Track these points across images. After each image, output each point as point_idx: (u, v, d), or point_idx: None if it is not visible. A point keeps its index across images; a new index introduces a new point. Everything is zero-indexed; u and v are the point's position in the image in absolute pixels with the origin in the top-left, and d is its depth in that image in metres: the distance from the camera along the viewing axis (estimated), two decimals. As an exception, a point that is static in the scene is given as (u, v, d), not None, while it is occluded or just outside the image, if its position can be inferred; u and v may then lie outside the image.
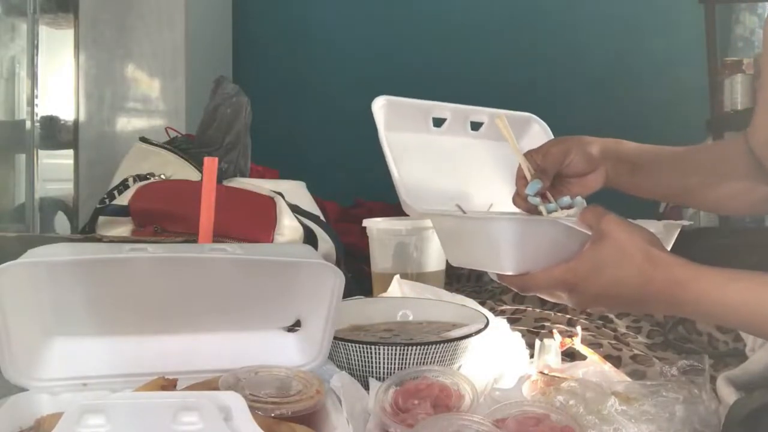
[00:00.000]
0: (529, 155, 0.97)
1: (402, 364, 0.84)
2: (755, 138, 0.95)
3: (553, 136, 1.19)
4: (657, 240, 0.75)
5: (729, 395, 0.81)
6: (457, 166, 1.10)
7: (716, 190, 1.00)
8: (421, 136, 1.07)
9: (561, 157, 0.96)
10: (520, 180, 0.96)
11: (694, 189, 1.01)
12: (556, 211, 0.93)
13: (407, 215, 1.01)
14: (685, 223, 1.04)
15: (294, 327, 0.86)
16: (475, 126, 1.13)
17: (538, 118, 1.19)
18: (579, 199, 0.96)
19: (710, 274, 0.71)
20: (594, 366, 0.93)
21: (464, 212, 0.95)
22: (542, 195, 0.95)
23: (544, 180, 0.94)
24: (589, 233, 0.76)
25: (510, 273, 0.80)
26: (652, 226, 0.88)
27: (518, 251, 0.78)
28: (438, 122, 1.09)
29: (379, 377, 0.84)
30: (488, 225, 0.82)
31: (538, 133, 1.17)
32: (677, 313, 0.83)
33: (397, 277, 1.13)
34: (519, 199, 0.96)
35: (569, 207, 0.94)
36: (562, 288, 0.77)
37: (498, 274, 0.83)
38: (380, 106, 1.02)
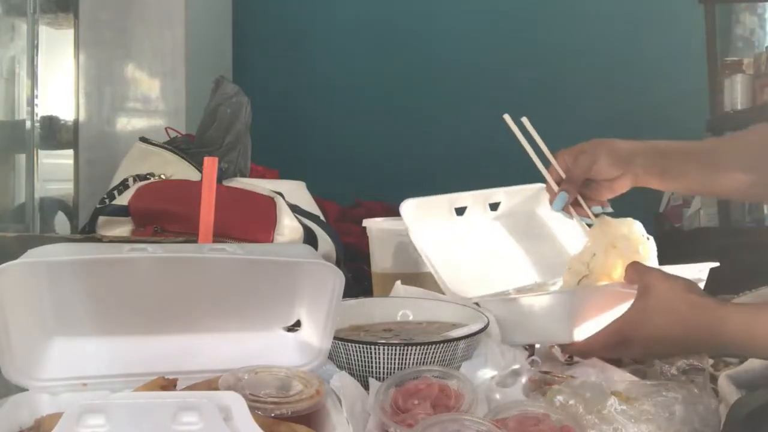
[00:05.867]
0: (560, 158, 1.01)
1: (402, 364, 0.84)
2: None
3: None
4: (695, 285, 0.83)
5: (731, 394, 0.81)
6: (482, 247, 1.18)
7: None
8: (447, 225, 1.15)
9: (588, 165, 0.98)
10: (550, 191, 1.01)
11: (740, 186, 0.97)
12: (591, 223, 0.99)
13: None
14: (713, 264, 1.00)
15: (294, 327, 0.86)
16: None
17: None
18: (608, 208, 1.02)
19: (738, 309, 0.78)
20: (594, 366, 0.93)
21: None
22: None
23: (570, 191, 0.99)
24: (635, 291, 0.84)
25: (568, 342, 0.89)
26: (687, 270, 0.92)
27: (574, 321, 0.87)
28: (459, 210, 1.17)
29: (379, 377, 0.83)
30: (543, 302, 0.91)
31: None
32: (723, 350, 0.89)
33: (398, 283, 1.13)
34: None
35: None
36: (618, 341, 0.85)
37: (560, 345, 0.93)
38: (408, 208, 1.08)
